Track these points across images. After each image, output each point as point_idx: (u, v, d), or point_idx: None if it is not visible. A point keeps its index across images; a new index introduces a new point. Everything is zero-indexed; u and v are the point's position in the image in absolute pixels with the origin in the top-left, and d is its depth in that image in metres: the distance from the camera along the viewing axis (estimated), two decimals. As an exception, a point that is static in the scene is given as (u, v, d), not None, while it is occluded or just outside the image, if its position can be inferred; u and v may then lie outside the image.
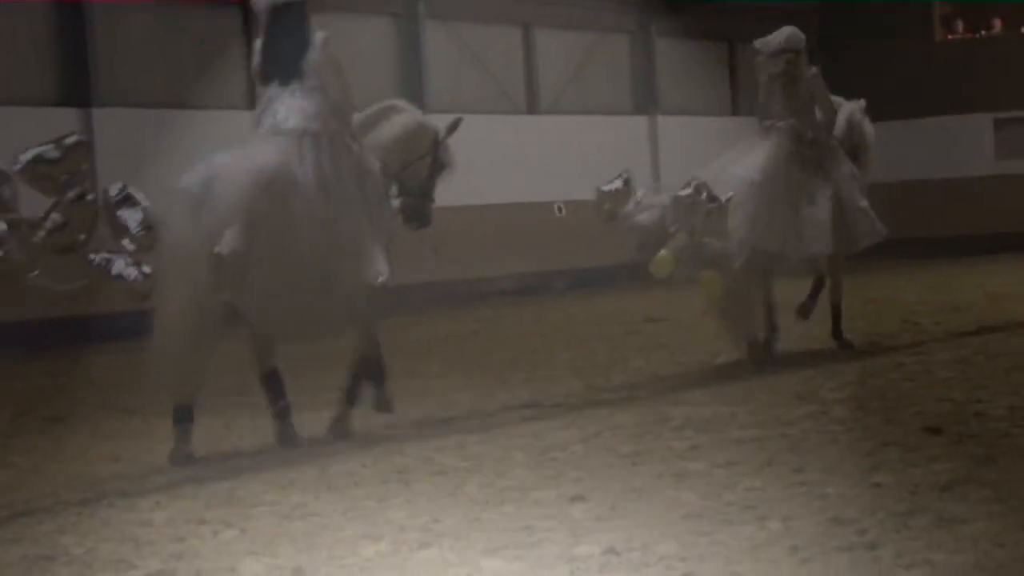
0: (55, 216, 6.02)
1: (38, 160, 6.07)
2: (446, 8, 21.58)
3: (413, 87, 21.35)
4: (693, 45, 25.75)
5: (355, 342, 7.96)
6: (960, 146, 26.59)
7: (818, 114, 10.55)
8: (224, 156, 7.39)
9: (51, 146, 6.12)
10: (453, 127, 8.61)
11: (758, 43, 10.78)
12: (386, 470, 6.56)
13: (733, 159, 10.60)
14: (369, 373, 7.94)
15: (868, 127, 11.42)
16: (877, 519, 4.93)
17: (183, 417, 7.24)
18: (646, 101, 24.62)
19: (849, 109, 11.18)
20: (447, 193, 19.70)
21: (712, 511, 5.26)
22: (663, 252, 9.40)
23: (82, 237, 6.09)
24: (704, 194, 9.29)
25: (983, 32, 27.27)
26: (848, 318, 12.59)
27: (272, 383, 7.73)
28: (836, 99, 10.96)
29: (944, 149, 26.70)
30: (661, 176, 24.44)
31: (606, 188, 9.91)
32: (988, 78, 26.09)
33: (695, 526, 5.04)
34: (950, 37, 27.43)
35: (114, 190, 6.32)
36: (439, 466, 6.62)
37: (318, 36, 7.69)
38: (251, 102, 9.82)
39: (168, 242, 6.63)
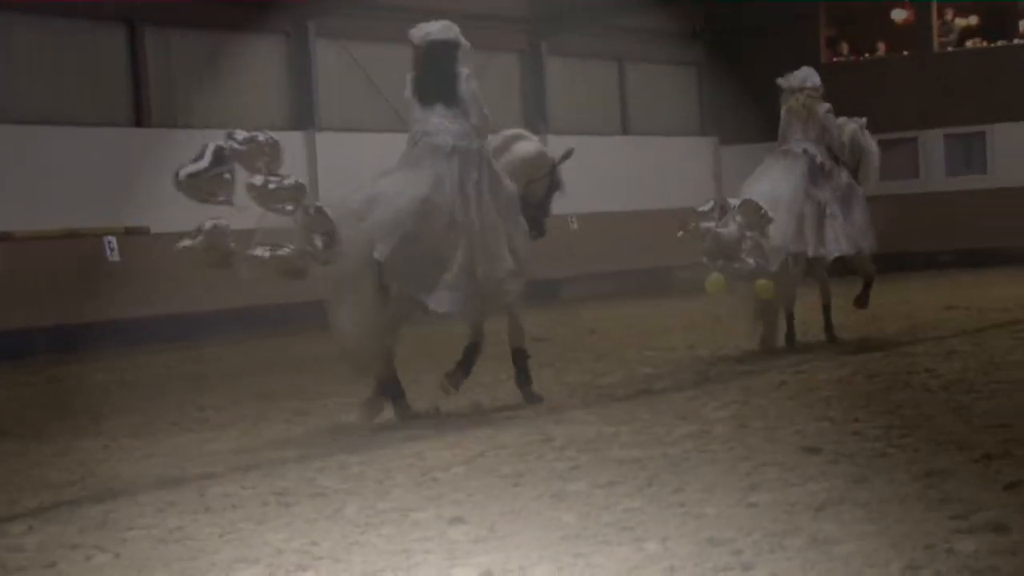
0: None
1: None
2: (337, 28, 21.52)
3: (304, 105, 21.27)
4: (583, 64, 25.89)
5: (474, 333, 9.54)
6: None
7: (827, 139, 12.30)
8: (385, 180, 8.89)
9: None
10: (566, 155, 10.08)
11: (781, 80, 12.66)
12: (266, 492, 6.49)
13: (756, 178, 12.20)
14: (522, 359, 9.68)
15: (869, 142, 13.07)
16: (752, 539, 4.95)
17: (394, 392, 8.89)
18: (536, 120, 24.67)
19: (852, 128, 12.84)
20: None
21: (590, 532, 5.26)
22: (716, 274, 11.01)
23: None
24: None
25: (867, 55, 27.70)
26: (735, 337, 12.80)
27: (387, 366, 9.05)
28: (840, 119, 12.66)
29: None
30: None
31: (701, 209, 11.34)
32: (872, 100, 26.48)
33: (572, 547, 5.03)
34: (835, 60, 27.81)
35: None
36: (320, 488, 6.55)
37: (463, 70, 9.23)
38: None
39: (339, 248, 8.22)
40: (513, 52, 24.61)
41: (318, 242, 8.08)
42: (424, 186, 8.73)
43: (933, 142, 26.60)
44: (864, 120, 13.08)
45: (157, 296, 17.33)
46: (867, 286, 13.09)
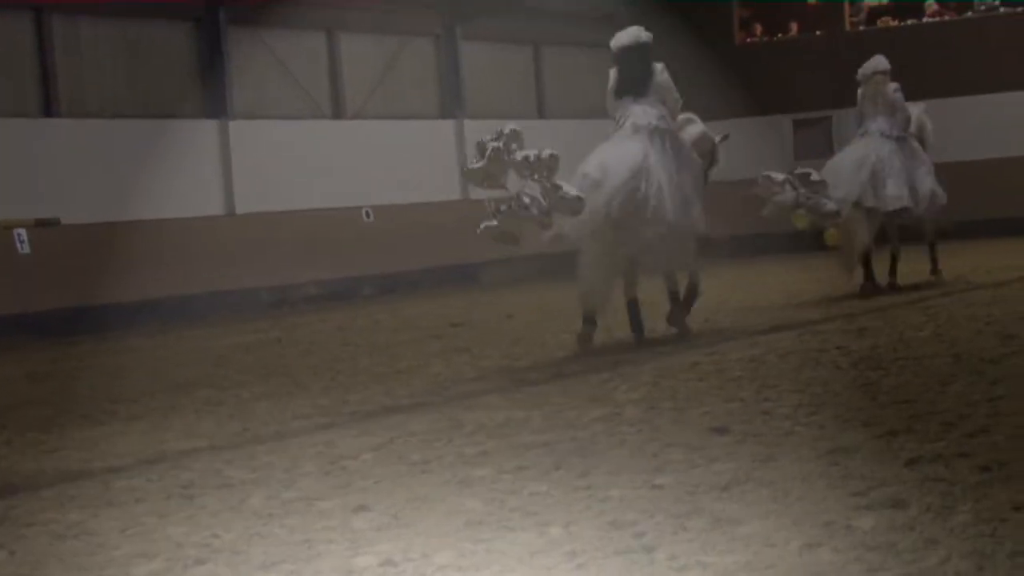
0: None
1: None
2: (248, 14, 21.35)
3: (216, 92, 21.09)
4: (499, 48, 25.84)
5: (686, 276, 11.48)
6: (761, 147, 27.05)
7: (897, 116, 14.71)
8: (609, 150, 10.89)
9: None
10: (724, 137, 12.38)
11: (859, 72, 15.03)
12: (171, 485, 6.41)
13: (840, 156, 14.87)
14: (691, 297, 11.57)
15: (928, 122, 15.47)
16: (655, 522, 4.94)
17: (590, 320, 10.96)
18: (452, 104, 24.63)
19: (917, 111, 15.21)
20: (251, 201, 19.35)
21: (494, 518, 5.23)
22: (800, 211, 13.77)
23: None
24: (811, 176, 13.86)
25: (780, 35, 27.84)
26: (651, 318, 12.84)
27: (633, 308, 11.17)
28: (908, 104, 14.95)
29: (746, 150, 27.15)
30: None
31: (774, 177, 14.12)
32: (786, 79, 26.65)
33: (475, 534, 5.00)
34: (749, 40, 27.95)
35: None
36: (226, 479, 6.49)
37: (656, 65, 11.29)
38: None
39: (583, 209, 10.16)
40: (428, 36, 24.54)
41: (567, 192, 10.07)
42: (637, 158, 10.71)
43: (846, 121, 26.77)
44: (924, 104, 15.60)
45: (70, 288, 17.14)
46: (932, 247, 15.26)
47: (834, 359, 9.23)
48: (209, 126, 20.74)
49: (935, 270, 15.25)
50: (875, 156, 14.30)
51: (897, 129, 14.60)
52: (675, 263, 11.26)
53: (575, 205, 10.13)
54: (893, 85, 14.81)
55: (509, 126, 9.98)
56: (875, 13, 27.67)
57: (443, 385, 9.66)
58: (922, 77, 25.47)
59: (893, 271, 14.62)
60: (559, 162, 10.08)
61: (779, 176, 14.08)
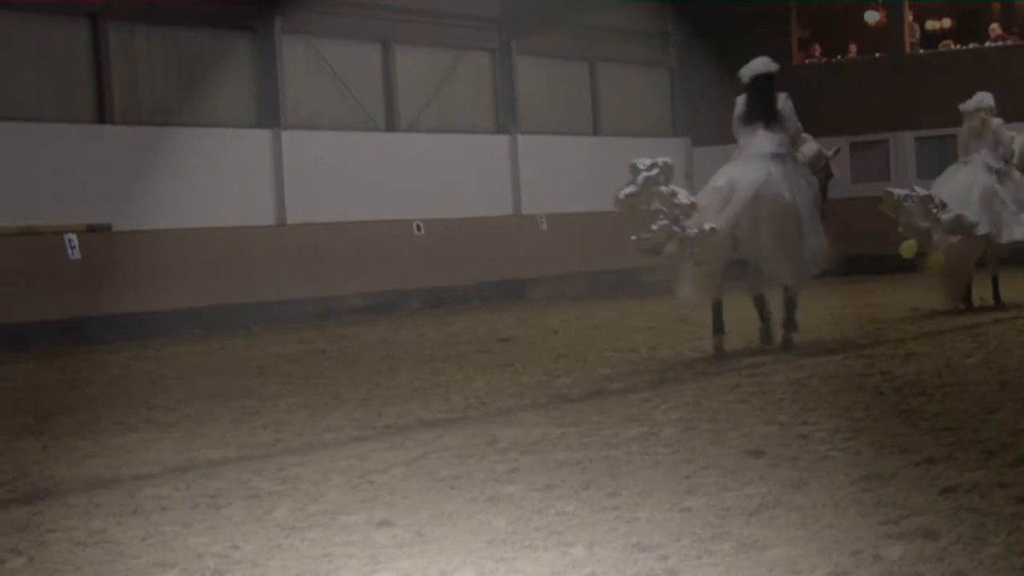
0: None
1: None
2: (304, 23, 21.40)
3: (270, 102, 21.15)
4: (555, 65, 25.80)
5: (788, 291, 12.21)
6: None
7: (1000, 150, 15.39)
8: (736, 170, 11.82)
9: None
10: (837, 152, 13.61)
11: (961, 106, 15.65)
12: (198, 494, 6.37)
13: (943, 180, 15.43)
14: (791, 310, 12.27)
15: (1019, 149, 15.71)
16: (680, 545, 4.86)
17: (718, 321, 11.91)
18: (507, 119, 24.59)
19: (1021, 139, 15.62)
20: (301, 211, 19.34)
21: (518, 537, 5.16)
22: (909, 241, 14.45)
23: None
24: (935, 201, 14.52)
25: (839, 56, 27.66)
26: (698, 338, 12.84)
27: (760, 302, 12.26)
28: (1010, 133, 15.58)
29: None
30: (522, 195, 24.45)
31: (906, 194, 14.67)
32: (844, 102, 26.46)
33: (498, 552, 4.93)
34: (807, 61, 27.78)
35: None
36: (253, 490, 6.45)
37: (780, 95, 12.12)
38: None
39: (713, 218, 11.27)
40: (484, 51, 24.53)
41: (685, 223, 11.05)
42: (760, 178, 11.64)
43: (904, 144, 26.59)
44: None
45: (117, 294, 17.20)
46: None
47: (877, 384, 9.11)
48: (262, 136, 20.78)
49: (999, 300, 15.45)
50: (983, 183, 15.02)
51: (999, 162, 15.30)
52: (789, 276, 12.07)
53: (688, 211, 11.15)
54: (997, 121, 15.52)
55: (663, 159, 11.00)
56: (934, 37, 27.44)
57: (482, 400, 9.59)
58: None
59: (996, 292, 15.34)
60: (672, 171, 11.23)
61: (901, 192, 14.82)
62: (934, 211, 14.42)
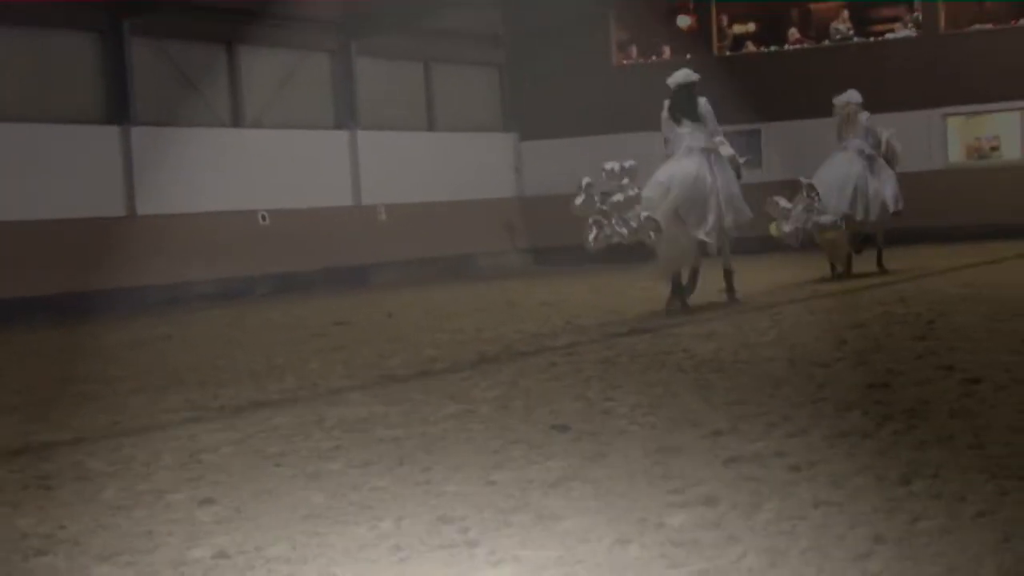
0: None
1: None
2: (151, 26, 20.99)
3: (119, 101, 20.72)
4: (392, 65, 25.66)
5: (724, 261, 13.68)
6: (637, 162, 27.10)
7: (870, 139, 16.98)
8: (674, 165, 13.21)
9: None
10: (747, 160, 15.06)
11: (835, 99, 17.25)
12: (30, 476, 6.20)
13: (825, 167, 16.86)
14: (729, 275, 13.71)
15: (896, 144, 17.44)
16: (483, 516, 4.84)
17: (676, 287, 13.31)
18: (346, 116, 24.41)
19: (886, 134, 17.32)
20: (151, 203, 18.93)
21: (333, 511, 5.11)
22: (774, 223, 15.86)
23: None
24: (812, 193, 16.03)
25: (654, 57, 27.91)
26: (517, 319, 12.89)
27: (694, 277, 13.72)
28: (878, 129, 17.24)
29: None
30: (362, 187, 24.30)
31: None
32: (660, 99, 26.69)
33: (312, 527, 4.87)
34: (625, 62, 28.00)
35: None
36: (85, 471, 6.29)
37: (701, 99, 13.56)
38: None
39: (662, 209, 12.74)
40: (325, 52, 24.28)
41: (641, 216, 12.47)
42: (693, 169, 13.14)
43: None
44: (894, 130, 17.56)
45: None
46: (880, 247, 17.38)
47: (679, 361, 9.19)
48: (112, 132, 20.36)
49: (882, 266, 17.30)
50: (856, 174, 16.61)
51: (869, 148, 16.89)
52: (725, 245, 13.58)
53: (630, 205, 12.53)
54: (865, 114, 17.14)
55: (628, 162, 12.65)
56: (742, 40, 27.85)
57: (314, 382, 9.49)
58: (784, 99, 25.73)
59: (879, 261, 17.29)
60: (637, 172, 12.68)
61: (785, 203, 16.03)
62: (816, 205, 15.97)
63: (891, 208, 16.97)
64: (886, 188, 16.96)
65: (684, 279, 13.54)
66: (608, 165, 12.65)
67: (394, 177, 24.76)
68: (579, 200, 12.56)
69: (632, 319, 12.72)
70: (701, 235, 13.20)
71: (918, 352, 8.70)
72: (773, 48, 27.19)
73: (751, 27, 28.10)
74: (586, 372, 9.02)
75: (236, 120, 22.61)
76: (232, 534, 4.82)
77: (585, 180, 12.55)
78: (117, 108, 20.51)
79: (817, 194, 16.01)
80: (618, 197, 12.46)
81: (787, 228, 15.86)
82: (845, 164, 16.72)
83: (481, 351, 10.80)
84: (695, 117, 13.42)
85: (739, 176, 14.02)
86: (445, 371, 9.65)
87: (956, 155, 25.63)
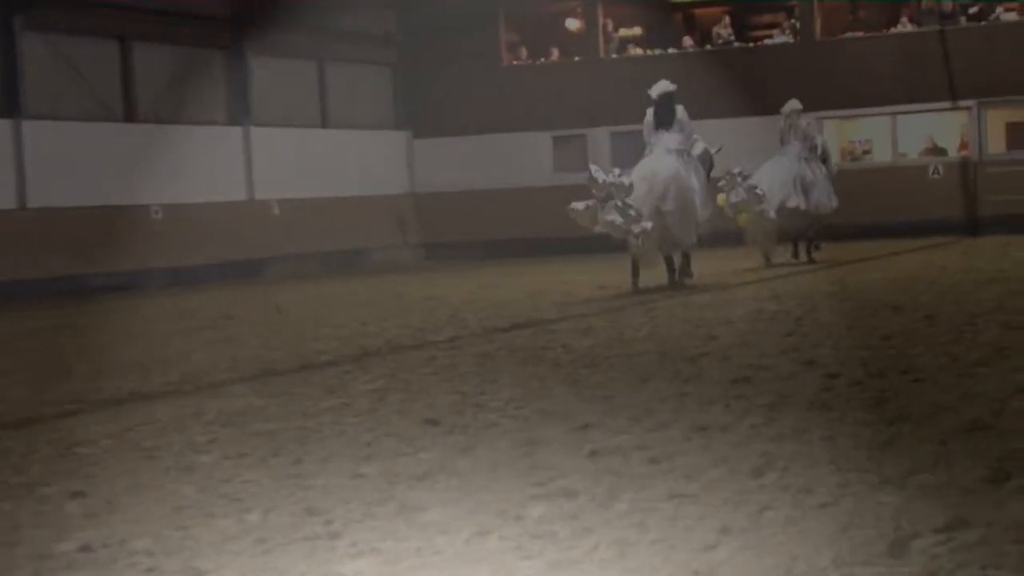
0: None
1: None
2: (44, 21, 20.64)
3: (10, 95, 20.35)
4: (286, 63, 25.50)
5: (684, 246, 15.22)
6: (523, 159, 27.22)
7: (807, 142, 18.98)
8: (654, 163, 14.83)
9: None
10: (719, 149, 16.37)
11: (782, 108, 19.23)
12: (-98, 470, 6.07)
13: (770, 166, 18.57)
14: (687, 264, 15.41)
15: (829, 147, 20.33)
16: (348, 509, 4.82)
17: (635, 273, 14.88)
18: (240, 113, 24.19)
19: (822, 139, 20.00)
20: (43, 196, 18.60)
21: (202, 504, 5.05)
22: (744, 213, 17.68)
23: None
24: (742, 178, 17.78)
25: (543, 59, 27.99)
26: (403, 313, 12.86)
27: (671, 263, 15.23)
28: (815, 135, 19.66)
29: (510, 162, 27.29)
30: (255, 182, 24.10)
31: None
32: (547, 100, 26.81)
33: (180, 520, 4.81)
34: (515, 63, 28.04)
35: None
36: (-41, 465, 6.17)
37: (678, 107, 15.29)
38: None
39: (643, 200, 14.31)
40: (218, 49, 24.04)
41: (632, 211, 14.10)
42: (672, 168, 14.80)
43: (600, 138, 27.08)
44: (824, 137, 20.59)
45: None
46: (812, 240, 19.07)
47: (556, 356, 9.22)
48: (3, 125, 20.00)
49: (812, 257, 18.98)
50: (797, 171, 18.40)
51: (807, 151, 18.80)
52: (689, 236, 15.03)
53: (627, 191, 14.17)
54: (805, 120, 19.31)
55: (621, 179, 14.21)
56: (626, 43, 28.01)
57: (196, 375, 9.39)
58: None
59: (809, 251, 18.93)
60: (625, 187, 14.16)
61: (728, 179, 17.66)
62: (759, 194, 17.65)
63: (829, 204, 18.78)
64: (824, 185, 18.80)
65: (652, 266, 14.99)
66: (601, 177, 14.12)
67: (288, 173, 24.61)
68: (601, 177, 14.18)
69: (514, 314, 12.73)
70: (673, 226, 14.69)
71: (783, 347, 8.81)
72: (658, 52, 27.38)
73: (637, 31, 28.27)
74: (464, 366, 9.01)
75: (129, 115, 22.33)
76: (99, 528, 4.74)
77: (593, 168, 14.37)
78: (8, 102, 20.15)
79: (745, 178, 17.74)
80: (618, 203, 14.02)
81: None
82: (788, 163, 18.45)
83: (364, 345, 10.75)
84: (673, 123, 15.09)
85: (712, 166, 15.89)
86: (327, 365, 9.59)
87: (832, 157, 25.99)
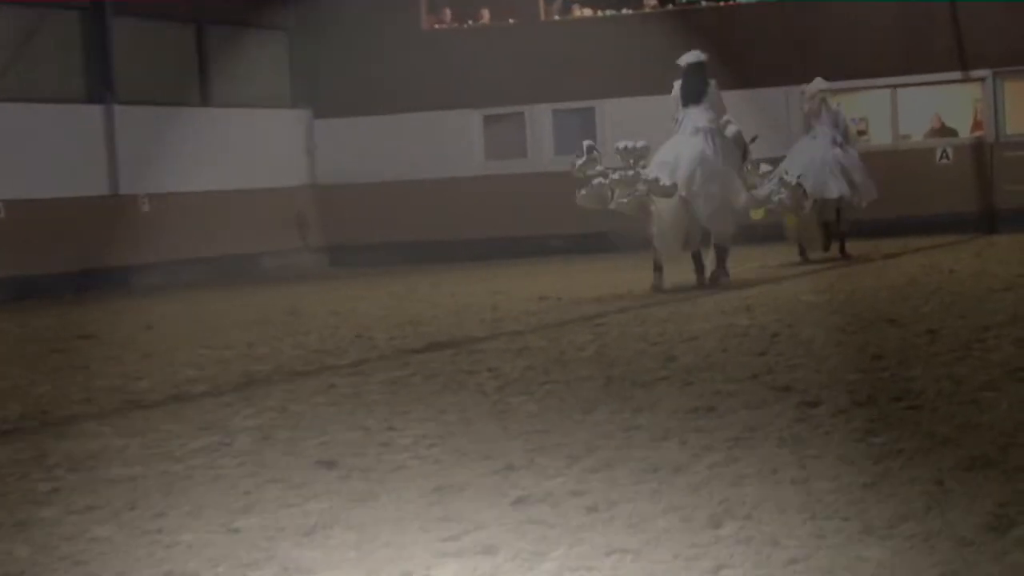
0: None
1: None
2: None
3: None
4: (157, 27, 25.38)
5: (718, 238, 16.21)
6: (447, 143, 27.23)
7: (839, 126, 19.99)
8: (679, 145, 15.81)
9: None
10: (754, 139, 16.95)
11: (803, 88, 20.49)
12: None
13: (795, 153, 19.72)
14: (723, 256, 16.24)
15: (853, 128, 21.29)
16: (217, 572, 4.82)
17: (659, 269, 15.77)
18: (100, 88, 24.05)
19: (848, 118, 21.04)
20: None
21: (39, 568, 5.04)
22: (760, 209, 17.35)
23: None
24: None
25: (472, 21, 28.03)
26: (299, 332, 12.88)
27: (697, 256, 16.07)
28: (846, 118, 20.61)
29: (433, 147, 27.29)
30: (120, 172, 24.00)
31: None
32: (478, 71, 26.84)
33: (9, 587, 4.79)
34: (437, 26, 28.07)
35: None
36: None
37: (710, 80, 16.24)
38: None
39: (664, 184, 15.26)
40: (74, 9, 23.89)
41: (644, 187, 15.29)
42: (698, 148, 15.73)
43: (541, 117, 27.15)
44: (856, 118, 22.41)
45: None
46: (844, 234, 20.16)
47: (482, 382, 9.25)
48: None
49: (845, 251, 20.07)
50: (832, 158, 19.50)
51: (840, 136, 19.82)
52: (724, 226, 16.00)
53: (654, 187, 15.22)
54: (836, 104, 20.41)
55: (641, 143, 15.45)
56: (573, 2, 28.09)
57: (43, 409, 9.34)
58: (624, 72, 26.02)
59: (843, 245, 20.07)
60: (649, 152, 15.55)
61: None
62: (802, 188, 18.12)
63: (872, 193, 20.01)
64: (864, 171, 19.99)
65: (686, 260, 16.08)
66: (621, 144, 15.39)
67: (160, 161, 24.48)
68: (580, 161, 15.32)
69: (434, 332, 12.75)
70: (707, 222, 15.77)
71: (755, 370, 8.88)
72: (609, 12, 27.47)
73: (585, -13, 28.37)
74: (370, 395, 9.03)
75: (-39, 90, 22.16)
76: (-91, 600, 4.71)
77: (587, 142, 15.65)
78: None
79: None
80: (620, 174, 15.18)
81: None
82: (820, 149, 19.57)
83: (249, 371, 10.74)
84: (703, 98, 16.02)
85: (746, 155, 16.66)
86: (203, 395, 9.58)
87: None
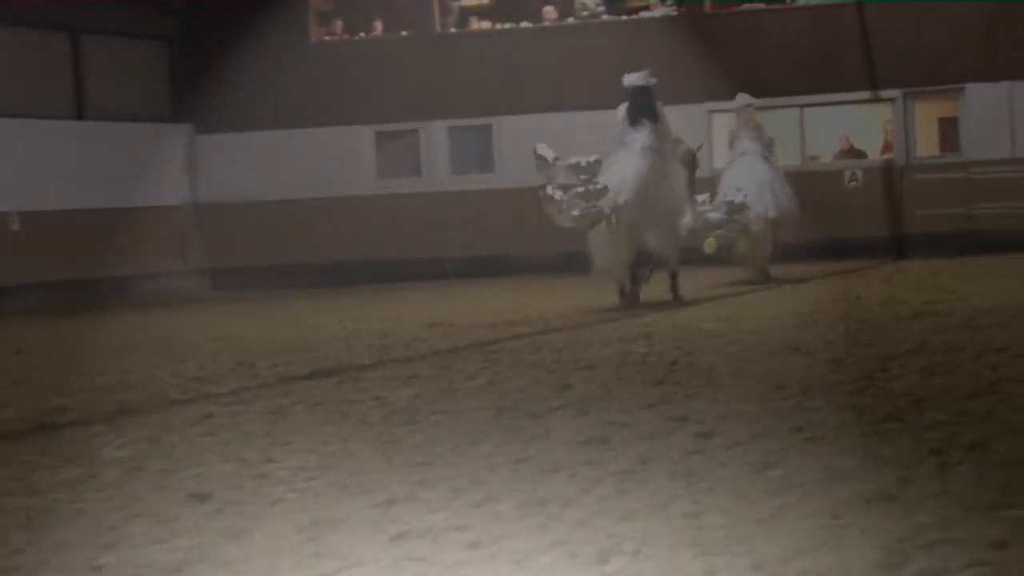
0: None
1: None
2: None
3: None
4: (28, 34, 25.20)
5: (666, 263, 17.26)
6: (338, 162, 27.20)
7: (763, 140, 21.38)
8: (622, 167, 16.63)
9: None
10: (700, 147, 18.47)
11: (732, 104, 21.79)
12: None
13: (731, 173, 20.97)
14: (674, 276, 17.25)
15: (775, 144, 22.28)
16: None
17: (623, 288, 16.84)
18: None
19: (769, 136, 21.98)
20: None
21: None
22: (710, 238, 19.30)
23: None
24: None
25: (364, 33, 28.03)
26: (176, 359, 12.82)
27: (637, 278, 17.00)
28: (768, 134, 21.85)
29: (323, 165, 27.26)
30: None
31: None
32: (371, 85, 26.84)
33: None
34: (328, 38, 28.04)
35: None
36: None
37: (656, 101, 17.15)
38: None
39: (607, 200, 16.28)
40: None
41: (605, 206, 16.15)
42: (643, 169, 16.64)
43: (436, 135, 27.19)
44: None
45: None
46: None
47: (366, 412, 9.22)
48: None
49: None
50: (767, 176, 20.70)
51: (766, 150, 21.01)
52: (668, 248, 16.98)
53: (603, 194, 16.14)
54: (759, 116, 21.58)
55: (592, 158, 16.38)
56: (468, 14, 28.14)
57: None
58: (522, 88, 26.13)
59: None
60: (600, 167, 16.34)
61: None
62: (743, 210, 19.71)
63: (795, 210, 21.08)
64: (786, 188, 21.07)
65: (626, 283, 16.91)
66: (573, 159, 16.16)
67: (32, 177, 24.29)
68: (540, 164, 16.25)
69: (319, 359, 12.73)
70: (648, 239, 16.64)
71: (651, 400, 8.93)
72: (508, 25, 27.57)
73: (485, 0, 28.45)
74: (249, 425, 8.99)
75: None
76: None
77: (540, 147, 16.37)
78: None
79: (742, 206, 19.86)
80: (580, 189, 16.00)
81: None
82: (755, 166, 20.69)
83: (122, 400, 10.67)
84: (652, 119, 17.01)
85: (697, 166, 17.78)
86: (72, 425, 9.51)
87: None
